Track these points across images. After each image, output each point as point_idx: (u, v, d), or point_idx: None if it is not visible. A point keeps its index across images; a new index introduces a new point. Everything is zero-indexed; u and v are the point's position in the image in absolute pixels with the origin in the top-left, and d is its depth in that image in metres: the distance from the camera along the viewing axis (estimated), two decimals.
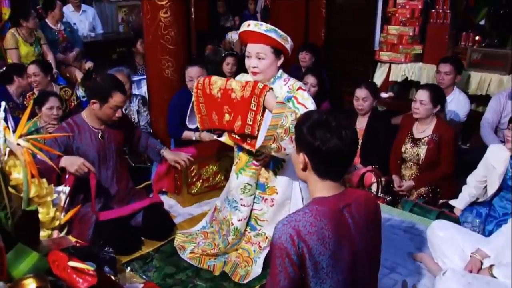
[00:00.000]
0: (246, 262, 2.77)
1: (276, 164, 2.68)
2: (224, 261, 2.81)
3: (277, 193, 2.71)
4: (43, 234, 1.33)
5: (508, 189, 3.00)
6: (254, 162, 2.68)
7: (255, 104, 2.43)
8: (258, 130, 2.45)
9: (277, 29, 2.50)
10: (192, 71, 3.84)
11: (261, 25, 2.50)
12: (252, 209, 2.77)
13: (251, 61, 2.54)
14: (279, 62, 2.57)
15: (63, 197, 1.45)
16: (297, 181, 2.68)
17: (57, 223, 1.39)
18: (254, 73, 2.56)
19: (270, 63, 2.53)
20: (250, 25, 2.51)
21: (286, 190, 2.71)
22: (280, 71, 2.61)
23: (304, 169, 1.68)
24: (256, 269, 2.73)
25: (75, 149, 2.92)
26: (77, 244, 2.23)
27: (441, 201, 3.55)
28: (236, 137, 2.60)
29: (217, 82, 2.60)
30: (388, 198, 3.63)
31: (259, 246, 2.79)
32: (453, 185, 3.55)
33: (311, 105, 2.49)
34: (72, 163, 2.72)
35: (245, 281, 2.68)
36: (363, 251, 1.67)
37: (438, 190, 3.63)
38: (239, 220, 2.76)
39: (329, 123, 1.60)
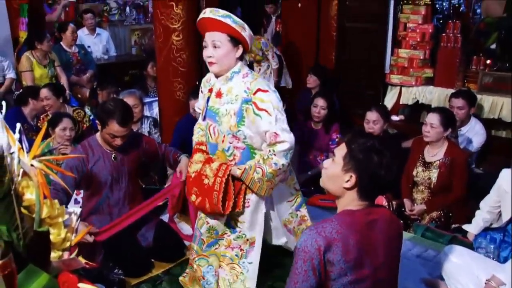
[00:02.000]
0: (234, 271, 2.66)
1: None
2: (216, 280, 2.69)
3: (251, 193, 2.57)
4: (54, 255, 1.33)
5: None
6: (228, 160, 2.58)
7: (218, 185, 2.44)
8: (225, 206, 2.48)
9: (233, 15, 2.41)
10: (197, 103, 3.80)
11: (217, 11, 2.41)
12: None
13: (207, 51, 2.44)
14: (238, 53, 2.47)
15: (74, 218, 1.45)
16: None
17: (67, 244, 1.38)
18: (210, 64, 2.46)
19: (227, 52, 2.43)
20: (206, 12, 2.42)
21: None
22: (239, 64, 2.50)
23: (350, 188, 1.70)
24: (251, 275, 2.64)
25: (89, 170, 2.93)
26: (87, 266, 2.23)
27: (453, 225, 3.50)
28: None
29: (196, 165, 2.58)
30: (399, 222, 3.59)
31: (241, 249, 2.66)
32: (466, 210, 3.50)
33: (273, 109, 2.38)
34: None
35: None
36: (385, 267, 1.71)
37: (451, 214, 3.58)
38: (214, 219, 2.66)
39: (386, 153, 1.67)
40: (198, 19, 2.48)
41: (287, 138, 2.41)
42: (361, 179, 1.67)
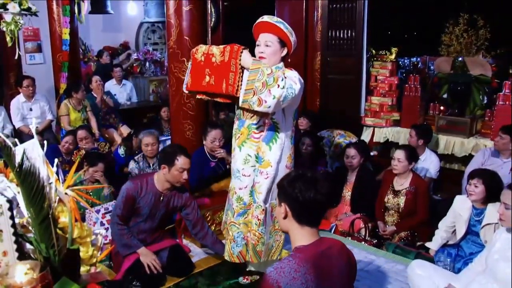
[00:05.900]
0: (255, 237, 2.64)
1: (270, 139, 2.58)
2: (245, 243, 2.68)
3: (271, 166, 2.58)
4: (83, 269, 1.34)
5: (472, 233, 2.98)
6: (253, 135, 2.59)
7: (234, 66, 2.42)
8: (237, 90, 2.42)
9: (285, 22, 2.51)
10: (216, 133, 3.80)
11: (273, 17, 2.52)
12: (254, 182, 2.65)
13: (260, 48, 2.52)
14: (283, 53, 2.54)
15: (100, 238, 1.46)
16: (285, 158, 2.62)
17: (94, 260, 1.39)
18: (261, 58, 2.51)
19: (275, 51, 2.51)
20: (264, 18, 2.52)
21: (277, 164, 2.60)
22: (282, 63, 2.56)
23: (285, 217, 1.63)
24: (270, 242, 2.68)
25: (138, 199, 2.90)
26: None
27: (418, 243, 3.50)
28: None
29: (202, 47, 2.57)
30: (374, 241, 3.58)
31: (258, 219, 2.63)
32: (428, 230, 3.50)
33: (294, 78, 2.40)
34: (146, 256, 2.83)
35: (275, 257, 2.67)
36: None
37: (416, 234, 3.58)
38: (240, 189, 2.66)
39: (306, 177, 1.59)
40: (256, 23, 2.55)
41: (299, 85, 2.39)
42: (291, 205, 1.59)
